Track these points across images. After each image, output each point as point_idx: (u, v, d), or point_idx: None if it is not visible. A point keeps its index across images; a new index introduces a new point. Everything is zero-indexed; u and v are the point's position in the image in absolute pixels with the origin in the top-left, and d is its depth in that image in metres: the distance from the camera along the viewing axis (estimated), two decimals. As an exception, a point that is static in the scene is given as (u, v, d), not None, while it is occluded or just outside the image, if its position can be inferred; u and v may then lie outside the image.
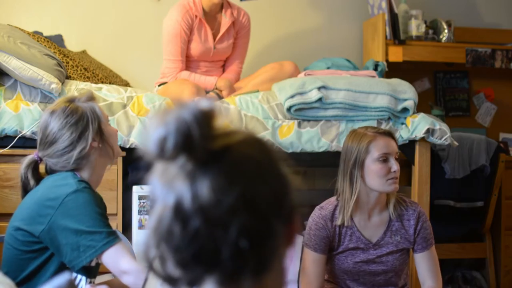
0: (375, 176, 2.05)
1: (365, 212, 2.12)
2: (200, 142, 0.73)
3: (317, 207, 2.17)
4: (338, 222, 2.10)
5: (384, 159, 2.05)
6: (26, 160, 1.81)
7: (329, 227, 2.11)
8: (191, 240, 0.72)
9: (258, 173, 0.76)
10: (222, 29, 3.14)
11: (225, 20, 3.14)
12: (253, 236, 0.73)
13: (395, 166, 2.05)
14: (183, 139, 0.72)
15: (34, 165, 1.82)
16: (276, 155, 0.80)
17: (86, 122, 1.78)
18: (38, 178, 1.82)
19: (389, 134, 2.11)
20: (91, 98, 1.85)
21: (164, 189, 0.74)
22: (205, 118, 0.74)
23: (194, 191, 0.72)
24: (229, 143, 0.76)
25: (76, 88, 2.70)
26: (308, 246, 2.12)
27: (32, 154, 1.82)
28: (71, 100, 1.82)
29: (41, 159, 1.82)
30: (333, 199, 2.17)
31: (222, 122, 0.76)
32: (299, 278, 2.30)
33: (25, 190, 1.81)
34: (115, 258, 1.67)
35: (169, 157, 0.73)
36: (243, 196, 0.73)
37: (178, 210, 0.72)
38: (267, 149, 0.80)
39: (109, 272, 1.87)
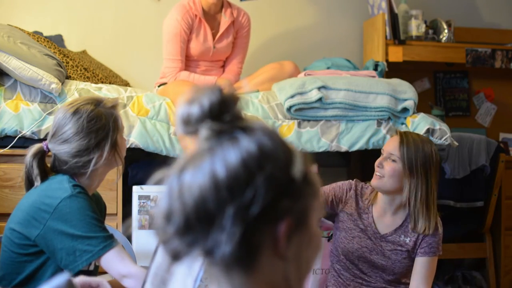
0: None
1: (379, 205, 2.17)
2: (204, 119, 0.78)
3: (356, 179, 2.28)
4: (369, 207, 2.20)
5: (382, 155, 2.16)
6: (33, 149, 1.76)
7: (350, 194, 2.22)
8: (167, 198, 0.77)
9: (241, 164, 0.76)
10: (222, 29, 3.14)
11: (225, 20, 3.14)
12: (203, 214, 0.75)
13: (380, 163, 2.13)
14: (206, 113, 0.78)
15: (41, 155, 1.76)
16: (277, 156, 0.79)
17: (106, 132, 1.75)
18: (43, 170, 1.77)
19: (398, 133, 2.18)
20: (116, 106, 1.80)
21: (183, 159, 0.78)
22: (229, 99, 0.79)
23: (211, 164, 0.76)
24: (234, 129, 0.78)
25: (76, 88, 2.70)
26: (324, 187, 2.23)
27: (41, 144, 1.77)
28: (97, 104, 1.77)
29: (49, 150, 1.78)
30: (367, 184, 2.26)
31: (243, 110, 0.81)
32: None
33: (29, 179, 1.76)
34: (114, 262, 1.66)
35: (189, 132, 0.79)
36: (213, 177, 0.75)
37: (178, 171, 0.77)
38: (271, 148, 0.79)
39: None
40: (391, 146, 2.13)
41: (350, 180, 2.27)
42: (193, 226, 0.75)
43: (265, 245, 0.77)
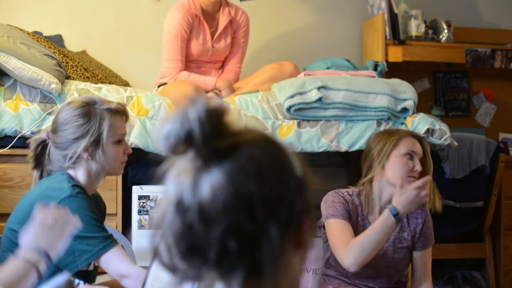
0: (397, 170, 2.11)
1: (376, 211, 2.17)
2: (203, 139, 0.74)
3: (333, 191, 2.21)
4: (365, 212, 2.17)
5: (410, 156, 2.13)
6: (36, 139, 1.84)
7: (350, 204, 2.16)
8: (187, 233, 0.73)
9: (259, 174, 0.74)
10: (220, 28, 3.14)
11: (223, 19, 3.14)
12: (242, 237, 0.72)
13: (418, 166, 2.12)
14: (186, 136, 0.74)
15: (43, 144, 1.83)
16: (286, 158, 0.79)
17: (86, 131, 1.77)
18: (38, 156, 1.84)
19: (419, 137, 2.21)
20: (117, 111, 1.82)
21: (172, 182, 0.75)
22: (213, 115, 0.75)
23: (195, 186, 0.73)
24: (235, 142, 0.76)
25: (76, 88, 2.70)
26: (335, 216, 2.12)
27: (43, 134, 1.85)
28: (91, 103, 1.80)
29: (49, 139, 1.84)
30: (344, 189, 2.23)
31: (232, 120, 0.77)
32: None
33: (39, 162, 1.84)
34: (114, 262, 1.66)
35: (176, 152, 0.76)
36: (238, 195, 0.73)
37: (179, 203, 0.74)
38: (276, 151, 0.78)
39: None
40: (417, 146, 2.17)
41: (334, 197, 2.17)
42: (230, 252, 0.72)
43: (290, 246, 0.77)
